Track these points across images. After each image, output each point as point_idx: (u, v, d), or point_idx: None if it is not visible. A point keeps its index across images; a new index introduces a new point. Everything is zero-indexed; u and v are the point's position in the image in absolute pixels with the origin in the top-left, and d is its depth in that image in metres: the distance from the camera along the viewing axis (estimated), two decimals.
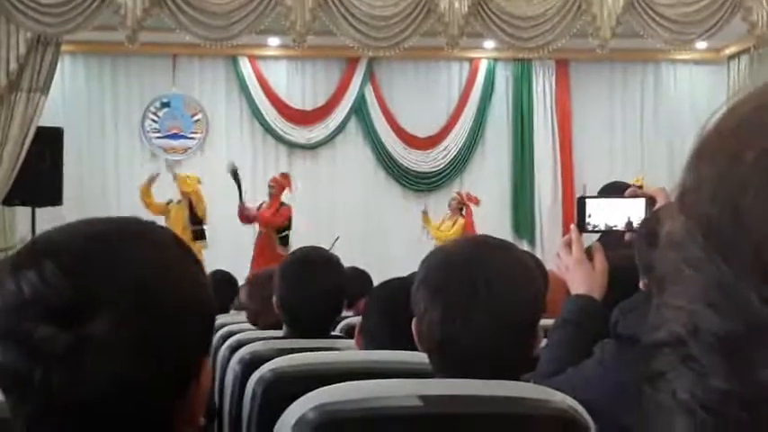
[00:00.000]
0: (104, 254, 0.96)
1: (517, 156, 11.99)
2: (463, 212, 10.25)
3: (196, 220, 9.69)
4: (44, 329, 0.89)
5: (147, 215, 9.22)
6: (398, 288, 2.33)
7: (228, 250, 10.03)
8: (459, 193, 10.54)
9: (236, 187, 9.68)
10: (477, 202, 10.45)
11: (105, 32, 9.36)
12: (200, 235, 9.63)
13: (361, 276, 4.90)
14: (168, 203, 9.75)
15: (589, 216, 2.37)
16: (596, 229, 2.38)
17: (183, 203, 9.68)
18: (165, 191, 9.85)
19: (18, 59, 8.82)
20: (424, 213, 10.39)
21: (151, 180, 9.83)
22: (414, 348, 1.73)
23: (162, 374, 0.96)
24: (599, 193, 3.08)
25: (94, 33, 9.38)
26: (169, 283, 0.98)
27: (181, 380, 0.99)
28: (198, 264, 1.06)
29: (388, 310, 2.36)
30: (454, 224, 10.08)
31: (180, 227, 9.25)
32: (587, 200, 2.42)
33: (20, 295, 0.91)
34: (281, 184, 9.88)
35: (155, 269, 0.98)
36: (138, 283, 0.94)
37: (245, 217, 9.72)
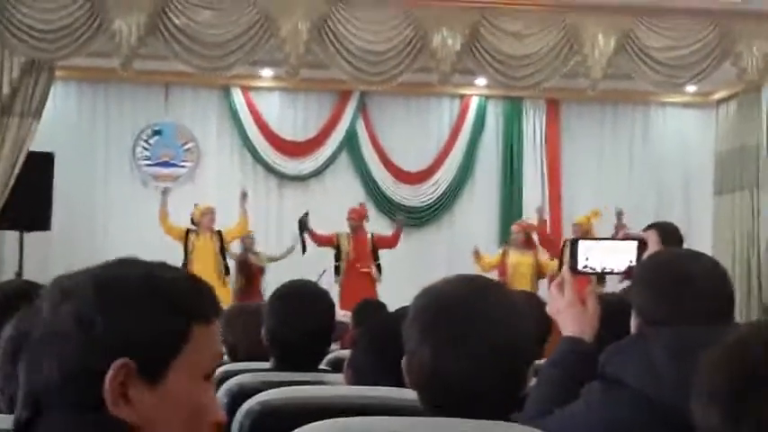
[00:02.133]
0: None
1: (506, 193, 12.01)
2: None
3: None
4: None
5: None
6: (389, 323, 2.33)
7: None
8: (521, 225, 10.40)
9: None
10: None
11: (99, 59, 9.38)
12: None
13: (380, 307, 4.94)
14: (188, 231, 9.64)
15: (586, 259, 2.38)
16: (589, 271, 2.39)
17: (215, 238, 9.69)
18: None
19: (11, 84, 8.83)
20: (476, 253, 10.07)
21: (164, 199, 9.84)
22: (403, 384, 1.72)
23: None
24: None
25: (88, 60, 9.40)
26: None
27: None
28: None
29: (378, 346, 2.35)
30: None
31: (210, 260, 9.43)
32: (580, 242, 2.43)
33: None
34: (359, 213, 10.03)
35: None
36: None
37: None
